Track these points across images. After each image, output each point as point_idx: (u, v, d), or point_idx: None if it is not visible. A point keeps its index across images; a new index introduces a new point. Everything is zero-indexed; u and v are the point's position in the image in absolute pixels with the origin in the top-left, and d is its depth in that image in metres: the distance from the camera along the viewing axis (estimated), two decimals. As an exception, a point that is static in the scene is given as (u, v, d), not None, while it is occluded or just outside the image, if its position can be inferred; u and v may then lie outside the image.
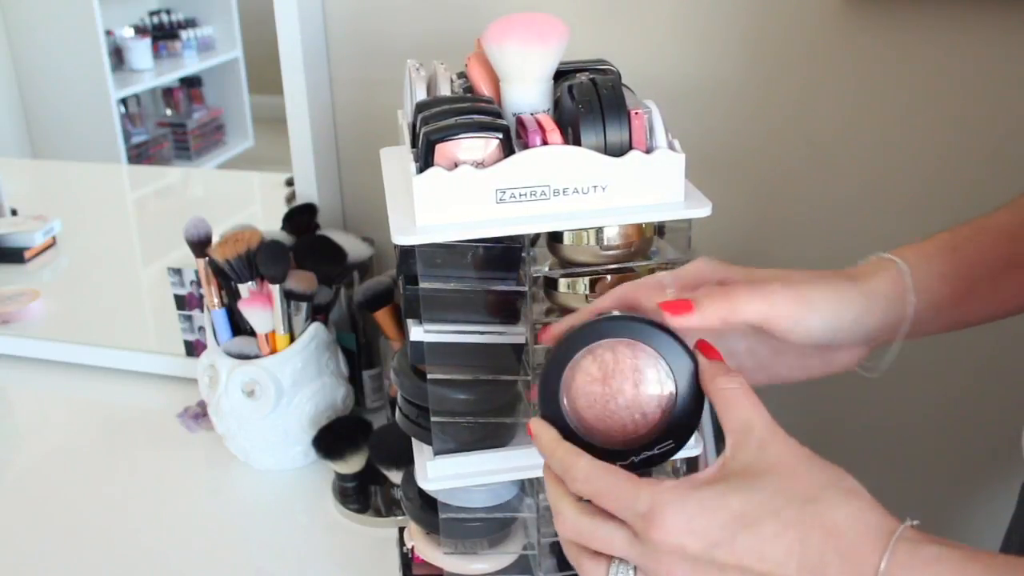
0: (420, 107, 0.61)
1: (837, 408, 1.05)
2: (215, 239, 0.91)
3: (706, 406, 0.50)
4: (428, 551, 0.74)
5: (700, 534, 0.43)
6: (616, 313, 0.51)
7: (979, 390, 0.99)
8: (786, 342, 0.53)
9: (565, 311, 0.63)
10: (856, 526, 0.42)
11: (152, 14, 1.43)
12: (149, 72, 1.44)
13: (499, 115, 0.60)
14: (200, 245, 0.91)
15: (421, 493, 0.72)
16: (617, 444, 0.50)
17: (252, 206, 1.47)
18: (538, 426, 0.51)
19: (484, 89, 0.65)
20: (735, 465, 0.44)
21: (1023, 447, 0.62)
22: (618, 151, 0.59)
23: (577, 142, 0.59)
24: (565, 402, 0.51)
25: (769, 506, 0.42)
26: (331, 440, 0.89)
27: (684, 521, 0.43)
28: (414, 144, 0.61)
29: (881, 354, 0.58)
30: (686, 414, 0.50)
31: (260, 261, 0.88)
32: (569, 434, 0.50)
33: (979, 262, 0.57)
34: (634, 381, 0.50)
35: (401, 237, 0.58)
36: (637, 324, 0.50)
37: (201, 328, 1.08)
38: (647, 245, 0.64)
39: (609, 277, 0.63)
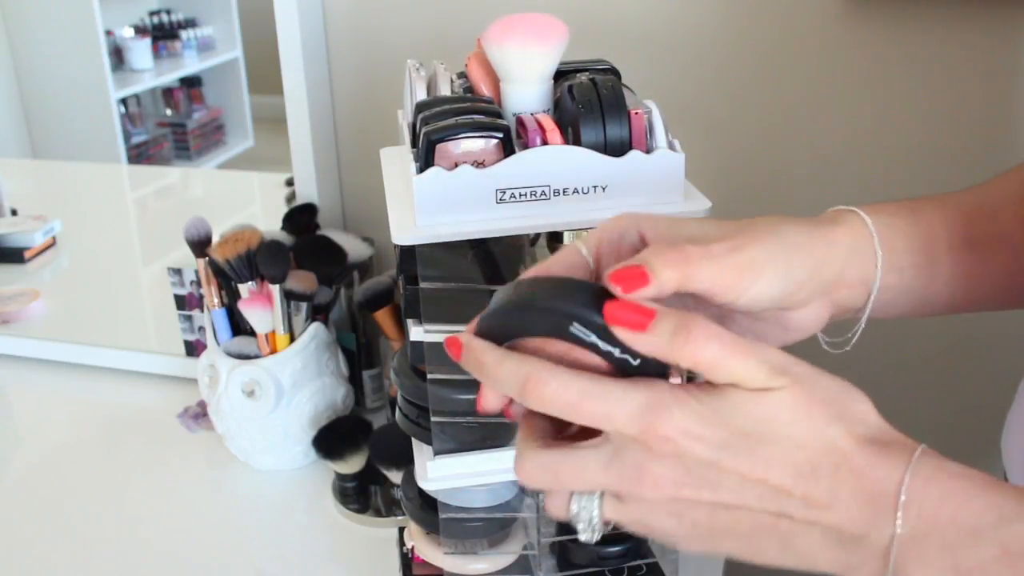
0: (420, 107, 0.61)
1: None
2: (215, 239, 0.91)
3: None
4: (428, 551, 0.74)
5: (707, 437, 0.38)
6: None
7: (965, 388, 0.99)
8: (731, 309, 0.47)
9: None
10: (882, 436, 0.39)
11: (152, 14, 1.43)
12: (149, 72, 1.44)
13: (499, 115, 0.60)
14: (200, 245, 0.91)
15: (421, 493, 0.72)
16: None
17: (252, 206, 1.47)
18: (469, 339, 0.42)
19: (484, 89, 0.65)
20: (740, 396, 0.39)
21: (1002, 448, 0.62)
22: (618, 151, 0.59)
23: (577, 142, 0.59)
24: None
25: (783, 430, 0.38)
26: (331, 440, 0.89)
27: (694, 419, 0.38)
28: (414, 144, 0.61)
29: (848, 328, 0.54)
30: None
31: (260, 261, 0.88)
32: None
33: (938, 230, 0.54)
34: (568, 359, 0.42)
35: (401, 237, 0.58)
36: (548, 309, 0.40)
37: (201, 328, 1.08)
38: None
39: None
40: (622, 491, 0.40)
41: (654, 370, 0.40)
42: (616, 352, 0.40)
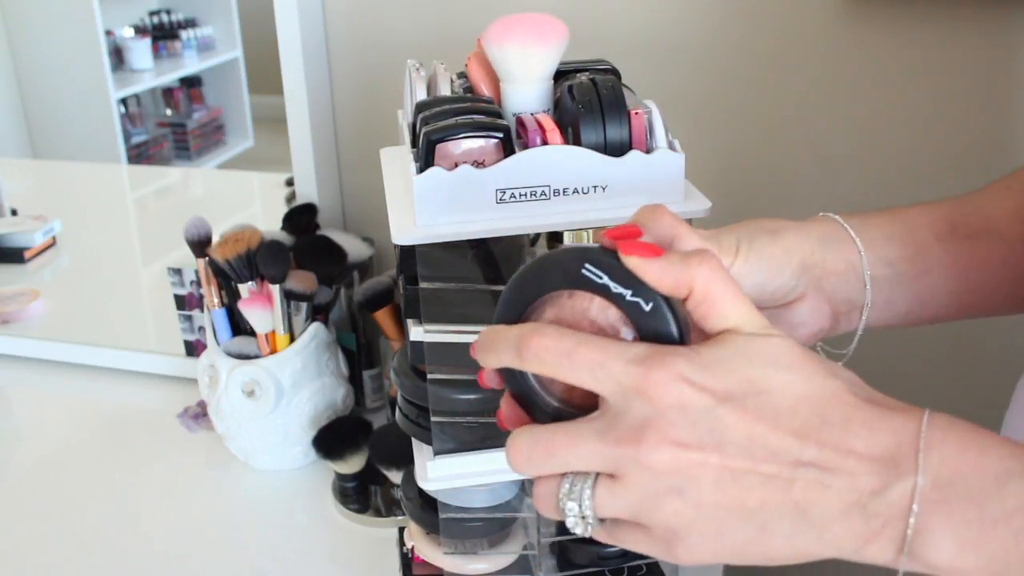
0: (420, 107, 0.62)
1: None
2: (215, 239, 0.91)
3: None
4: (428, 551, 0.74)
5: (710, 386, 0.36)
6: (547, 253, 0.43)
7: (967, 390, 0.99)
8: None
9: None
10: (885, 400, 0.38)
11: (152, 14, 1.43)
12: (149, 72, 1.44)
13: (499, 115, 0.60)
14: (200, 245, 0.91)
15: (421, 493, 0.72)
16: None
17: (252, 206, 1.47)
18: (484, 329, 0.41)
19: (484, 89, 0.65)
20: (739, 340, 0.38)
21: None
22: (618, 151, 0.59)
23: (577, 142, 0.59)
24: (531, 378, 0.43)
25: (785, 375, 0.37)
26: (331, 440, 0.89)
27: (695, 368, 0.36)
28: (414, 144, 0.61)
29: (851, 336, 0.55)
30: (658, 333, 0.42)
31: (260, 261, 0.88)
32: (546, 409, 0.42)
33: (919, 221, 0.55)
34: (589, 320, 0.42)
35: (401, 237, 0.58)
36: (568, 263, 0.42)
37: (201, 328, 1.08)
38: (647, 245, 0.64)
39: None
40: (620, 462, 0.37)
41: (666, 328, 0.39)
42: (628, 294, 0.39)
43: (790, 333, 0.51)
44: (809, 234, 0.52)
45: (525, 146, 0.58)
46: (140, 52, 1.42)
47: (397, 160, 0.71)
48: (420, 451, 0.68)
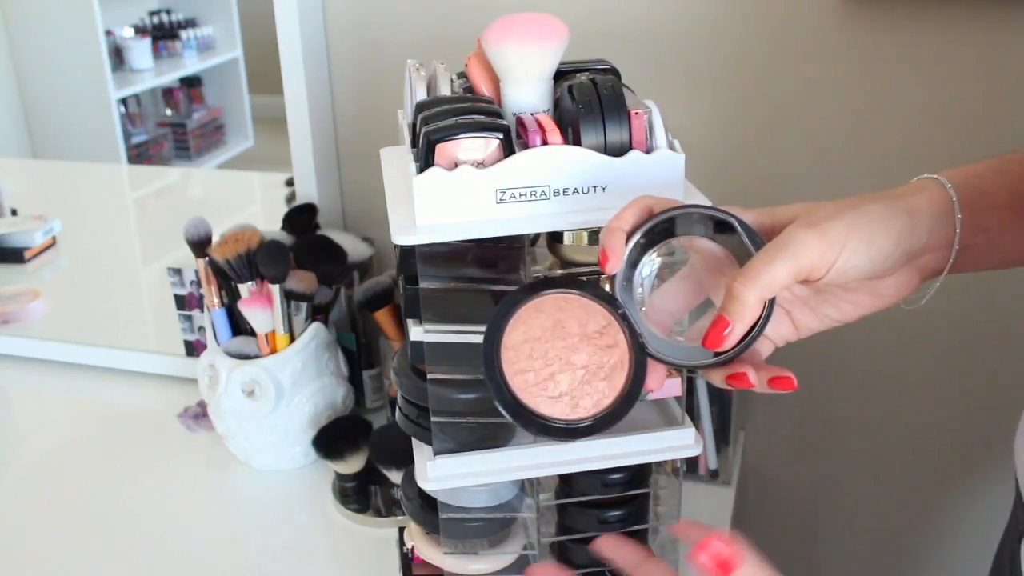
0: (420, 107, 0.62)
1: (831, 409, 1.05)
2: (215, 239, 0.91)
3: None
4: (428, 551, 0.74)
5: None
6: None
7: (974, 389, 0.99)
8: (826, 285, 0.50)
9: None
10: None
11: (152, 14, 1.43)
12: (149, 72, 1.44)
13: (499, 115, 0.60)
14: (200, 245, 0.91)
15: (421, 493, 0.72)
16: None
17: (252, 206, 1.47)
18: None
19: (484, 89, 0.65)
20: None
21: (1015, 450, 0.62)
22: (618, 151, 0.59)
23: (577, 142, 0.59)
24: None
25: None
26: (331, 440, 0.89)
27: None
28: (414, 144, 0.61)
29: (926, 286, 0.54)
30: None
31: (260, 261, 0.88)
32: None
33: None
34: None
35: (401, 237, 0.58)
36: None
37: (201, 328, 1.08)
38: (647, 245, 0.64)
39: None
40: None
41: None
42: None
43: (875, 301, 0.53)
44: (920, 217, 0.51)
45: (525, 146, 0.58)
46: (140, 52, 1.42)
47: (397, 160, 0.71)
48: (420, 451, 0.68)
